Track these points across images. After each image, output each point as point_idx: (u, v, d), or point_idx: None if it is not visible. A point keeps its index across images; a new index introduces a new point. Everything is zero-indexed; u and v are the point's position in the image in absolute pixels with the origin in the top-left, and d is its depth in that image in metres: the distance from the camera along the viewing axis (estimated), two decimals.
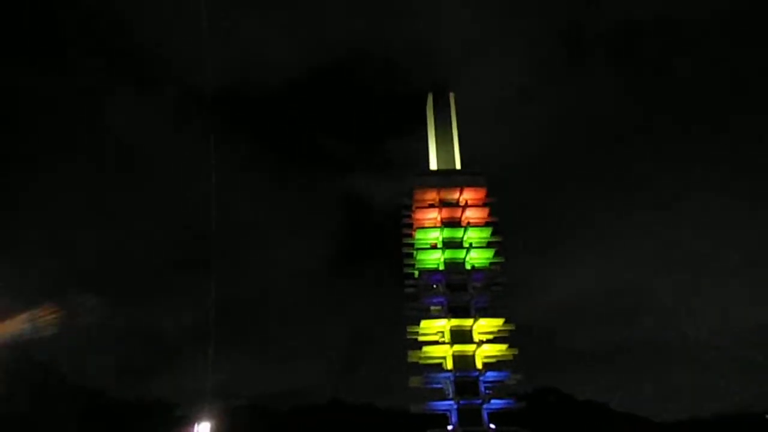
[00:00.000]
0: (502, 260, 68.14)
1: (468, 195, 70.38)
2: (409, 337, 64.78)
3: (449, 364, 62.16)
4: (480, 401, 58.24)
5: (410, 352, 62.85)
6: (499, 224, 70.25)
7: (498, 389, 61.80)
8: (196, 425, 58.41)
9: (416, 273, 68.15)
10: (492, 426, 57.75)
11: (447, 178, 71.69)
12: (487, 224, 69.89)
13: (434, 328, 64.31)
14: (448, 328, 63.36)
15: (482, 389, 59.67)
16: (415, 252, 68.57)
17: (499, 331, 65.11)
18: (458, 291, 65.29)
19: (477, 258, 67.89)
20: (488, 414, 58.64)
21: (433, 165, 74.94)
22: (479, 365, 61.37)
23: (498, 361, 64.09)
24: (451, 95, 78.80)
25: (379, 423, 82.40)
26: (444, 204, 70.31)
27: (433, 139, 76.31)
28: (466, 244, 67.99)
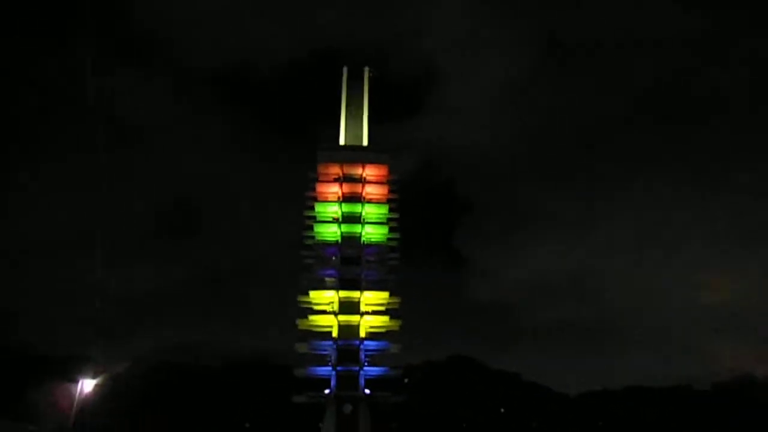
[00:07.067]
0: (398, 236, 70.98)
1: (370, 171, 72.48)
2: (301, 306, 67.55)
3: (335, 333, 65.29)
4: (357, 368, 61.74)
5: (299, 320, 65.60)
6: (399, 201, 73.00)
7: (380, 358, 65.50)
8: (80, 382, 59.63)
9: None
10: (367, 391, 61.53)
11: (352, 153, 73.51)
12: (388, 201, 72.45)
13: (324, 298, 67.09)
14: (337, 299, 66.22)
15: (362, 357, 63.16)
16: (314, 225, 70.64)
17: (389, 303, 68.49)
18: (351, 264, 68.06)
19: (373, 233, 70.49)
20: (365, 380, 62.31)
21: (342, 140, 76.46)
22: (362, 335, 64.71)
23: (387, 332, 67.89)
24: (366, 71, 79.75)
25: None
26: (347, 179, 72.28)
27: (344, 114, 77.55)
28: (363, 220, 70.38)
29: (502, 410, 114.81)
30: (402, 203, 73.39)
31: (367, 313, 65.84)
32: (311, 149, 73.99)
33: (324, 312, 66.79)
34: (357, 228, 70.02)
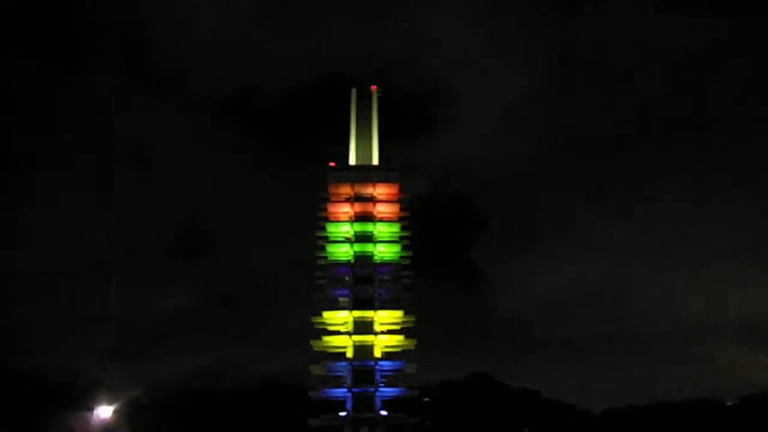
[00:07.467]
0: (410, 254, 70.61)
1: (381, 190, 72.53)
2: (316, 327, 67.19)
3: (350, 353, 64.71)
4: (373, 389, 60.97)
5: (312, 342, 65.20)
6: (412, 219, 72.89)
7: (396, 378, 64.63)
8: (96, 409, 59.46)
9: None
10: (383, 412, 60.62)
11: (362, 173, 73.68)
12: (399, 219, 72.29)
13: (338, 319, 66.70)
14: (351, 319, 65.79)
15: (378, 378, 62.39)
16: (326, 245, 70.62)
17: (403, 322, 67.85)
18: (364, 283, 67.75)
19: (385, 252, 70.25)
20: (381, 401, 61.47)
21: (353, 160, 76.76)
22: (378, 355, 64.04)
23: (403, 351, 67.09)
24: (374, 91, 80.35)
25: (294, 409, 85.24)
26: (358, 198, 72.38)
27: (354, 134, 77.98)
28: (375, 239, 70.22)
29: (526, 430, 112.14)
30: (417, 220, 73.53)
31: (381, 332, 65.27)
32: (322, 170, 74.39)
33: (338, 332, 66.39)
34: (369, 247, 69.86)
